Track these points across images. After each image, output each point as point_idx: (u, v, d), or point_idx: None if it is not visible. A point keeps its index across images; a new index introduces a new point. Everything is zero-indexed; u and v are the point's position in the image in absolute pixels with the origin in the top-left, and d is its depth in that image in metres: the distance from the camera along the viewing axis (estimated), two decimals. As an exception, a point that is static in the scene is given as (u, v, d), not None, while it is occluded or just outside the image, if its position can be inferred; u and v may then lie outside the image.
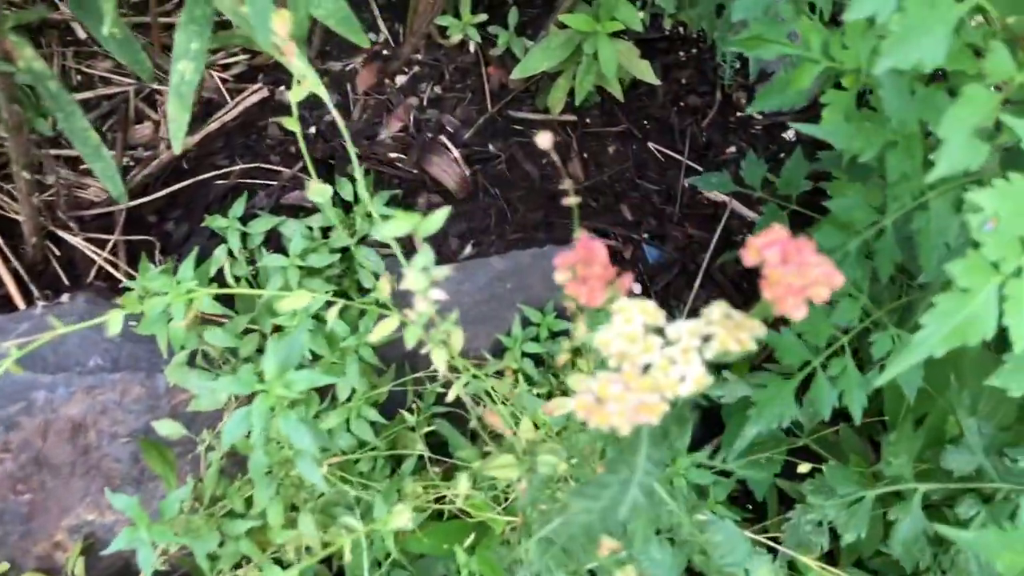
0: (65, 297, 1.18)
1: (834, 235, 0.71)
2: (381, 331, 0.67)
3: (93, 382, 1.11)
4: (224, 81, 1.33)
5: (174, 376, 1.07)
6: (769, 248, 0.37)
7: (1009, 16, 0.51)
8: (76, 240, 1.18)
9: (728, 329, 0.39)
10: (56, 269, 1.19)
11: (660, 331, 0.41)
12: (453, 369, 0.73)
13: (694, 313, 1.08)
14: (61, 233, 1.18)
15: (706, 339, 0.40)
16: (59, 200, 1.11)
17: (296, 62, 0.57)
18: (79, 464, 1.13)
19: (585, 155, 1.28)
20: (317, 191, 0.64)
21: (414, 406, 1.12)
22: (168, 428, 1.04)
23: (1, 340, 1.13)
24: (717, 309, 0.41)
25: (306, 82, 0.61)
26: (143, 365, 1.12)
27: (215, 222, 1.07)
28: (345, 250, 1.10)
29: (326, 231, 1.10)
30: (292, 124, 0.62)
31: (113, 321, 0.66)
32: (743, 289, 1.20)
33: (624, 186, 1.27)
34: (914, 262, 0.67)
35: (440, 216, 0.52)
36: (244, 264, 1.09)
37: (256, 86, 1.33)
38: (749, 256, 0.38)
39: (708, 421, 1.11)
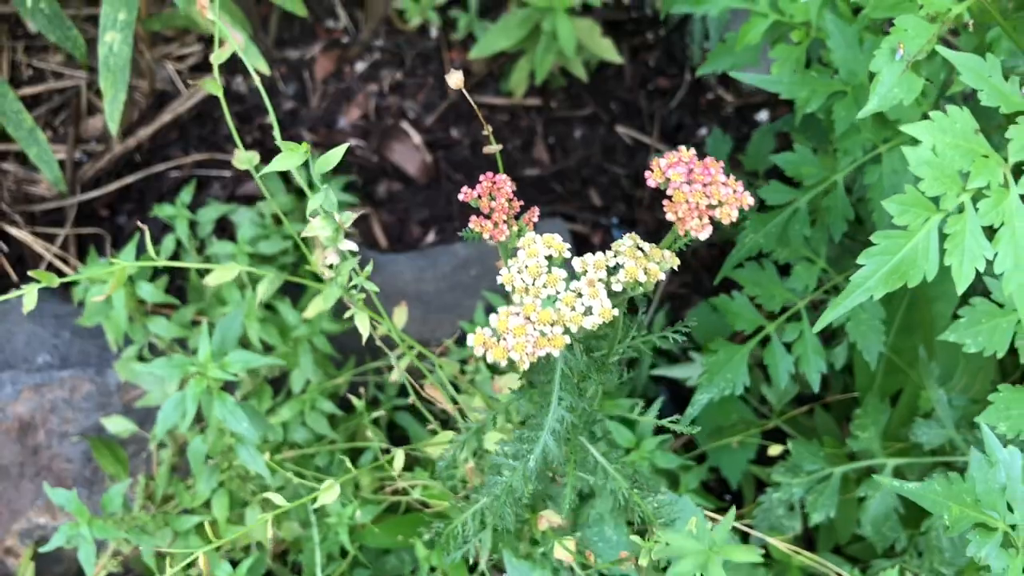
0: (13, 293, 1.16)
1: (781, 191, 0.69)
2: (315, 307, 0.65)
3: (41, 379, 1.09)
4: (179, 73, 1.32)
5: (123, 371, 1.05)
6: (674, 168, 0.35)
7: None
8: (24, 235, 1.16)
9: (636, 259, 0.38)
10: (4, 265, 1.17)
11: (568, 265, 0.39)
12: (391, 346, 0.71)
13: (665, 300, 1.05)
14: (8, 228, 1.16)
15: (614, 270, 0.38)
16: (2, 193, 1.10)
17: (210, 16, 0.55)
18: (28, 465, 1.11)
19: (551, 140, 1.26)
20: (243, 159, 0.63)
21: (376, 397, 1.10)
22: (119, 425, 1.02)
23: (-55, 339, 1.11)
24: (627, 240, 0.39)
25: (227, 45, 0.59)
26: (93, 361, 1.10)
27: (163, 210, 1.05)
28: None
29: (279, 220, 1.09)
30: (214, 87, 0.60)
31: (28, 297, 0.64)
32: (715, 270, 1.18)
33: (592, 171, 1.26)
34: (870, 220, 0.65)
35: (338, 152, 0.50)
36: (194, 253, 1.07)
37: (210, 75, 1.32)
38: (653, 177, 0.36)
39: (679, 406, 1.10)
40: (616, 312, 0.37)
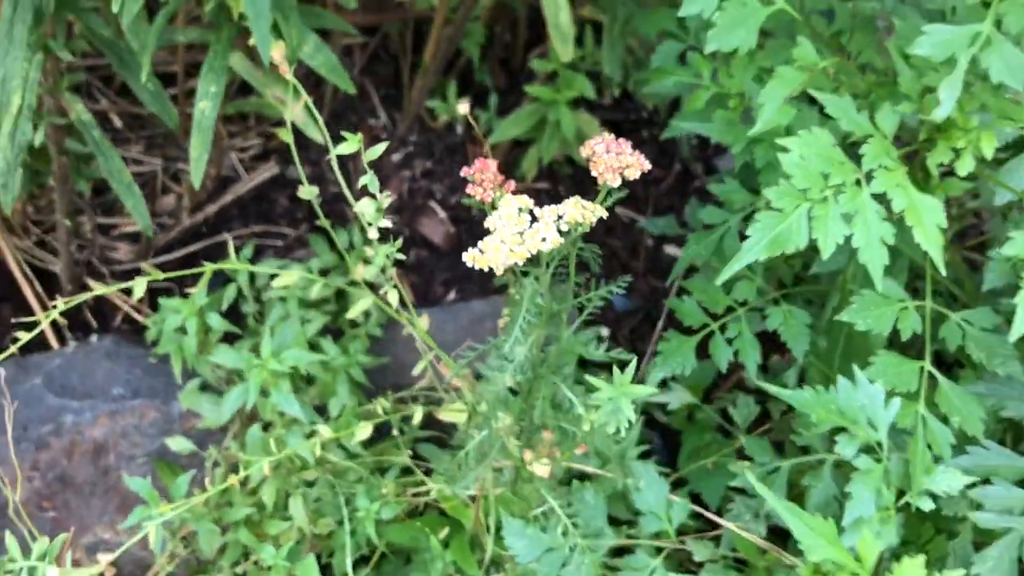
0: (94, 338, 1.37)
1: (716, 213, 0.88)
2: (359, 307, 0.85)
3: (116, 408, 1.28)
4: (241, 161, 1.56)
5: (188, 401, 1.24)
6: (598, 144, 0.56)
7: (812, 16, 0.70)
8: (106, 279, 1.38)
9: (577, 209, 0.57)
10: (87, 314, 1.38)
11: (532, 214, 0.59)
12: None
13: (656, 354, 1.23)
14: (92, 282, 1.38)
15: (560, 216, 0.58)
16: (95, 248, 1.32)
17: (290, 77, 0.77)
18: (99, 484, 1.28)
19: (558, 217, 1.47)
20: (307, 192, 0.83)
21: (401, 429, 1.27)
22: (179, 444, 1.20)
23: (36, 374, 1.31)
24: (573, 199, 0.59)
25: (297, 108, 0.80)
26: (159, 394, 1.29)
27: (227, 263, 1.27)
28: (341, 292, 1.29)
29: (324, 273, 1.30)
30: (286, 135, 0.81)
31: (138, 286, 0.83)
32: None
33: (593, 244, 1.46)
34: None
35: (380, 147, 0.70)
36: (252, 302, 1.28)
37: (269, 164, 1.55)
38: (584, 151, 0.56)
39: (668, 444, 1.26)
40: (562, 240, 0.56)
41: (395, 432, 1.17)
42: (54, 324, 1.35)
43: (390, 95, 1.61)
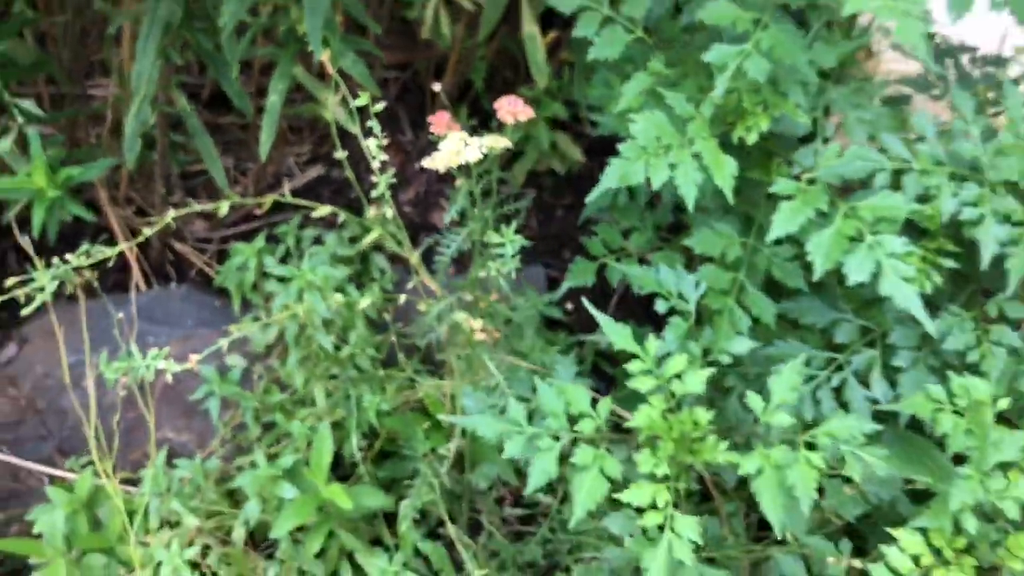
0: (173, 285, 1.79)
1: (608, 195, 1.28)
2: (369, 238, 1.25)
3: (186, 334, 1.69)
4: (296, 163, 1.99)
5: (243, 328, 1.65)
6: (502, 102, 0.97)
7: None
8: (185, 248, 1.80)
9: (493, 141, 0.98)
10: (168, 268, 1.80)
11: (466, 143, 1.00)
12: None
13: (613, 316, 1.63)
14: (175, 243, 1.81)
15: (482, 144, 0.98)
16: (177, 225, 1.74)
17: (333, 72, 1.18)
18: (168, 394, 1.69)
19: (540, 215, 1.88)
20: (340, 154, 1.24)
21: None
22: (233, 360, 1.60)
23: (130, 307, 1.73)
24: (489, 135, 1.00)
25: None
26: (220, 325, 1.70)
27: (279, 229, 1.69)
28: (365, 255, 1.70)
29: (352, 240, 1.71)
30: (324, 112, 1.22)
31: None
32: (648, 305, 1.75)
33: (566, 238, 1.87)
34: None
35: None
36: (296, 259, 1.69)
37: (316, 167, 1.98)
38: (495, 106, 0.97)
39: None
40: (482, 154, 0.96)
41: (400, 358, 1.56)
42: (144, 272, 1.78)
43: (416, 119, 2.04)
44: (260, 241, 1.56)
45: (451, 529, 1.29)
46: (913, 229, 1.10)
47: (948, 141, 1.05)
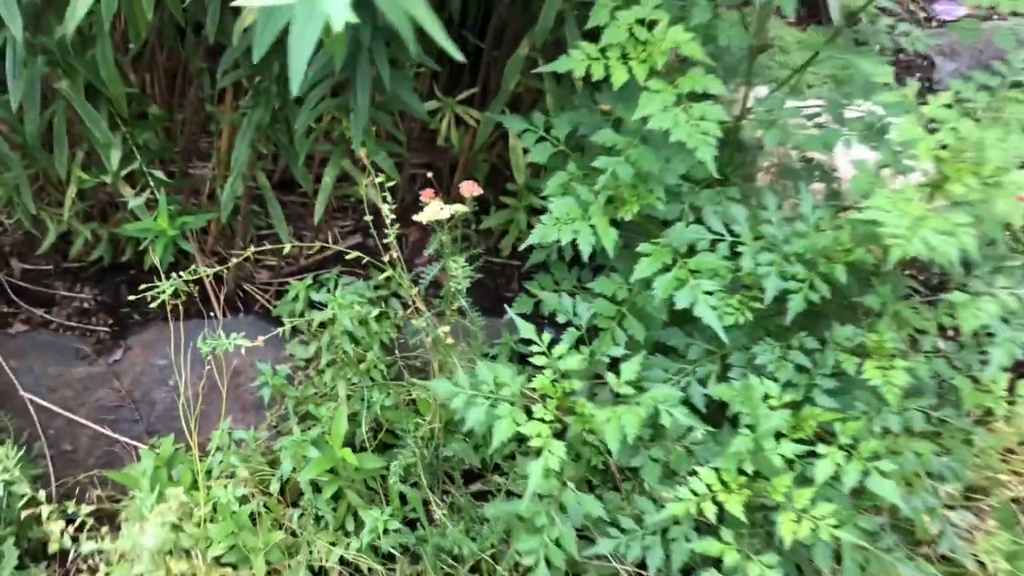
0: (241, 315, 2.39)
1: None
2: (384, 275, 1.85)
3: (249, 349, 2.29)
4: (340, 233, 2.62)
5: (290, 348, 2.25)
6: (464, 184, 1.58)
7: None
8: (252, 288, 2.42)
9: (457, 210, 1.59)
10: (239, 303, 2.42)
11: (444, 208, 1.61)
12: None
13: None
14: (245, 285, 2.43)
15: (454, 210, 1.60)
16: (250, 269, 2.37)
17: (366, 160, 1.81)
18: (232, 393, 2.28)
19: (522, 280, 2.48)
20: (382, 202, 1.86)
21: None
22: (282, 370, 2.20)
23: (210, 329, 2.33)
24: (458, 206, 1.61)
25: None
26: (275, 345, 2.29)
27: (323, 276, 2.30)
28: (386, 299, 2.29)
29: (376, 288, 2.30)
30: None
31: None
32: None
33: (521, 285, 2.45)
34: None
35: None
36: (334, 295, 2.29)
37: (356, 237, 2.61)
38: (460, 187, 1.58)
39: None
40: (455, 214, 1.56)
41: (405, 374, 2.14)
42: (220, 305, 2.39)
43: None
44: (308, 281, 2.17)
45: (424, 482, 1.85)
46: (739, 284, 1.67)
47: (756, 224, 1.64)
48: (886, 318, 1.63)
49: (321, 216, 2.08)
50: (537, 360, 1.55)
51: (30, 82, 1.80)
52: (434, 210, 1.58)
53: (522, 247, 1.68)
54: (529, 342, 1.57)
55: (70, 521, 1.81)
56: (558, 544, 1.54)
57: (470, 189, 1.63)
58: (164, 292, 1.76)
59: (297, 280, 2.33)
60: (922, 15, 3.31)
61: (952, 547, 1.56)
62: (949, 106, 1.57)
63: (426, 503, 1.95)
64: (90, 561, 1.88)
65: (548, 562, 1.54)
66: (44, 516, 1.53)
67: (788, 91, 1.74)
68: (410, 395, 2.13)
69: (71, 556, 1.76)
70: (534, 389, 1.56)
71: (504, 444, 1.52)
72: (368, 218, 1.88)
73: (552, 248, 1.82)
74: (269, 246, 2.56)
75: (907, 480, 1.60)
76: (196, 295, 2.43)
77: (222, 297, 2.41)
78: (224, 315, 2.40)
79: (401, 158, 2.50)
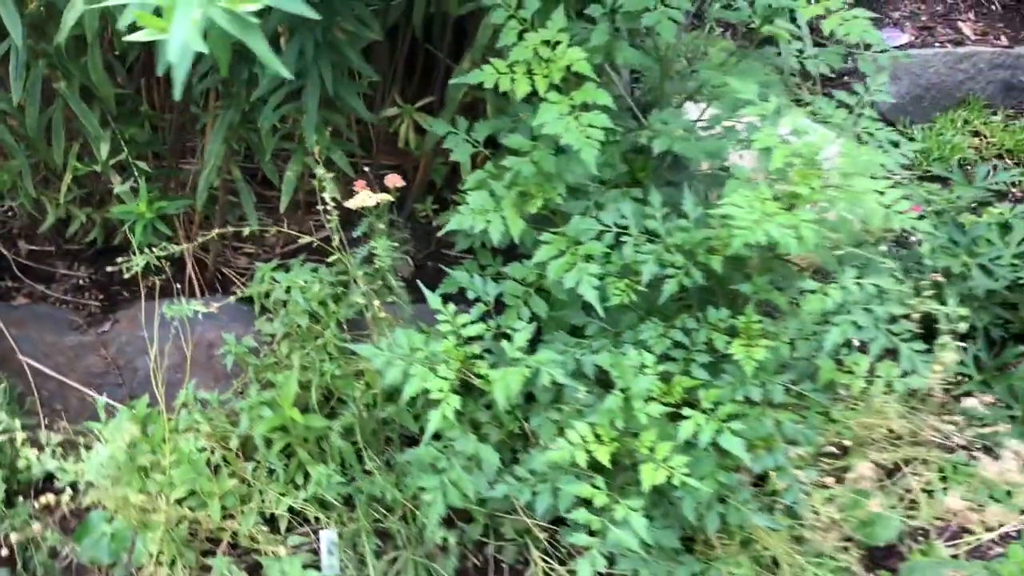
0: (219, 295, 2.68)
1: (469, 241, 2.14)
2: (333, 257, 2.13)
3: (222, 325, 2.57)
4: (313, 225, 2.90)
5: (259, 324, 2.53)
6: (389, 177, 1.86)
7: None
8: (230, 272, 2.71)
9: (382, 196, 1.87)
10: (217, 285, 2.71)
11: (370, 195, 1.89)
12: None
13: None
14: (224, 269, 2.72)
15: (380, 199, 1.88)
16: (228, 256, 2.66)
17: (319, 161, 2.09)
18: (205, 363, 2.57)
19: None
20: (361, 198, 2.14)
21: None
22: (249, 343, 2.48)
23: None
24: (383, 195, 1.89)
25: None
26: (245, 321, 2.57)
27: (290, 262, 2.58)
28: (345, 284, 2.57)
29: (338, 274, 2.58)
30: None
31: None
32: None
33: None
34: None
35: (387, 196, 1.99)
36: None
37: (324, 231, 2.89)
38: (386, 180, 1.86)
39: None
40: (381, 201, 1.83)
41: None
42: (201, 286, 2.68)
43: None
44: (273, 264, 2.46)
45: (360, 440, 2.12)
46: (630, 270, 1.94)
47: (640, 218, 1.90)
48: (753, 302, 1.89)
49: (285, 206, 2.36)
50: (442, 327, 1.82)
51: (31, 82, 2.11)
52: (363, 198, 1.86)
53: (440, 233, 1.95)
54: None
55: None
56: (455, 485, 1.81)
57: (394, 181, 1.91)
58: (137, 265, 2.04)
59: (264, 264, 2.61)
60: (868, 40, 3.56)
61: (795, 499, 1.81)
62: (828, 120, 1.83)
63: (364, 459, 2.22)
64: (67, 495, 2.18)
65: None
66: (18, 442, 1.80)
67: (682, 102, 2.01)
68: (360, 368, 2.40)
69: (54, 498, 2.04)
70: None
71: (416, 398, 1.79)
72: (329, 208, 2.16)
73: (477, 237, 2.08)
74: (242, 232, 2.85)
75: (765, 442, 1.85)
76: (178, 276, 2.72)
77: (202, 280, 2.69)
78: (203, 295, 2.69)
79: (369, 159, 2.79)
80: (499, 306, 2.01)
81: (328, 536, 2.17)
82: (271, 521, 2.27)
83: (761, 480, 1.92)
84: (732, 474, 1.84)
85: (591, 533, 1.73)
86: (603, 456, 1.73)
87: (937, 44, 3.54)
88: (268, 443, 2.23)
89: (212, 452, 2.26)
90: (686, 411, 1.80)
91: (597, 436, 1.77)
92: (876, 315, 1.74)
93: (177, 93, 1.02)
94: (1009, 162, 3.30)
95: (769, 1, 1.86)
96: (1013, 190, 3.15)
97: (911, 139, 3.33)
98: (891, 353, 1.90)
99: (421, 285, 1.90)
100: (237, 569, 2.17)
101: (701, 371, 1.90)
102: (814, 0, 1.89)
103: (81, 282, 2.73)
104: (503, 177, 1.94)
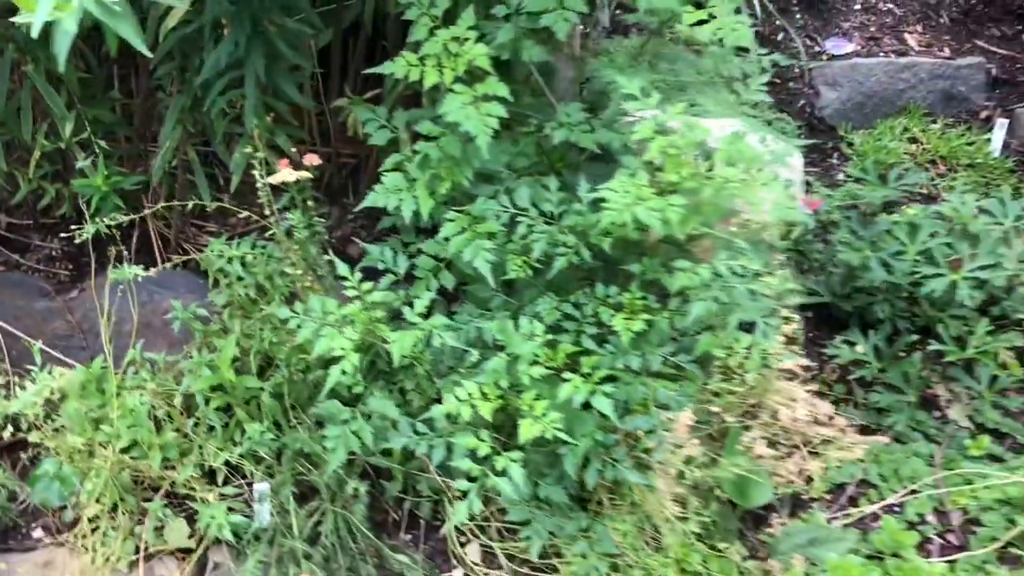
0: (179, 268, 2.89)
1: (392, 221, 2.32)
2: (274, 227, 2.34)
3: (177, 295, 2.78)
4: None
5: (212, 295, 2.74)
6: (308, 156, 2.07)
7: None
8: (190, 247, 2.92)
9: (302, 173, 2.08)
10: (178, 259, 2.92)
11: (291, 173, 2.10)
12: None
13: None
14: (185, 244, 2.93)
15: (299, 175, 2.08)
16: (189, 230, 2.88)
17: (259, 142, 2.30)
18: (162, 330, 2.78)
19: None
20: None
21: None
22: (201, 312, 2.69)
23: (147, 278, 2.83)
24: (303, 172, 2.10)
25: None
26: (198, 292, 2.78)
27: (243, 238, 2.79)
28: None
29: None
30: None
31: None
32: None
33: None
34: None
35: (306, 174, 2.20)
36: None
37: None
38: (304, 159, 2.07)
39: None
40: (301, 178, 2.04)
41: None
42: (162, 258, 2.89)
43: (354, 189, 3.15)
44: (223, 239, 2.67)
45: (287, 398, 2.32)
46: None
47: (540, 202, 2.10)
48: (639, 281, 2.08)
49: (235, 185, 2.57)
50: (348, 292, 2.03)
51: (1, 65, 2.33)
52: (284, 175, 2.06)
53: (356, 209, 2.16)
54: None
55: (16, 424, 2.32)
56: (357, 435, 2.01)
57: (311, 160, 2.11)
58: (88, 232, 2.26)
59: (216, 240, 2.84)
60: (816, 49, 3.74)
61: (663, 458, 1.99)
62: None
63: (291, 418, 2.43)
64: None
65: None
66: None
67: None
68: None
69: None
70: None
71: (325, 355, 1.99)
72: (261, 187, 2.36)
73: (399, 217, 2.28)
74: (212, 219, 3.07)
75: (643, 406, 2.04)
76: (146, 251, 2.94)
77: (164, 253, 2.92)
78: (162, 266, 2.90)
79: (328, 147, 3.00)
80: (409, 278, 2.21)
81: (260, 488, 2.38)
82: (212, 475, 2.47)
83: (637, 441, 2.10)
84: (610, 435, 2.03)
85: (471, 480, 1.93)
86: (486, 411, 1.92)
87: (881, 54, 3.71)
88: (208, 401, 2.43)
89: (157, 408, 2.47)
90: (568, 375, 1.99)
91: (484, 394, 1.97)
92: (738, 292, 1.92)
93: (60, 65, 1.22)
94: (943, 167, 3.47)
95: (653, 6, 2.04)
96: (936, 192, 3.32)
97: (850, 144, 3.51)
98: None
99: (333, 256, 2.11)
100: (172, 513, 2.38)
101: (590, 342, 2.10)
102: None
103: (53, 253, 2.96)
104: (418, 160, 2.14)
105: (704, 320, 1.97)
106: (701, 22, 2.03)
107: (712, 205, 1.97)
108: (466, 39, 2.06)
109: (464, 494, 1.93)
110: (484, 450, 1.93)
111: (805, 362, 2.08)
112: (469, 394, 1.96)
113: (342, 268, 2.04)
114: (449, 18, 2.09)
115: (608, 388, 1.94)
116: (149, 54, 1.25)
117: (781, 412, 2.11)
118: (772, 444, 2.24)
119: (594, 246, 2.09)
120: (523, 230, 2.07)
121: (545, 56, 2.14)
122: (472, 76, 2.04)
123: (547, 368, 1.99)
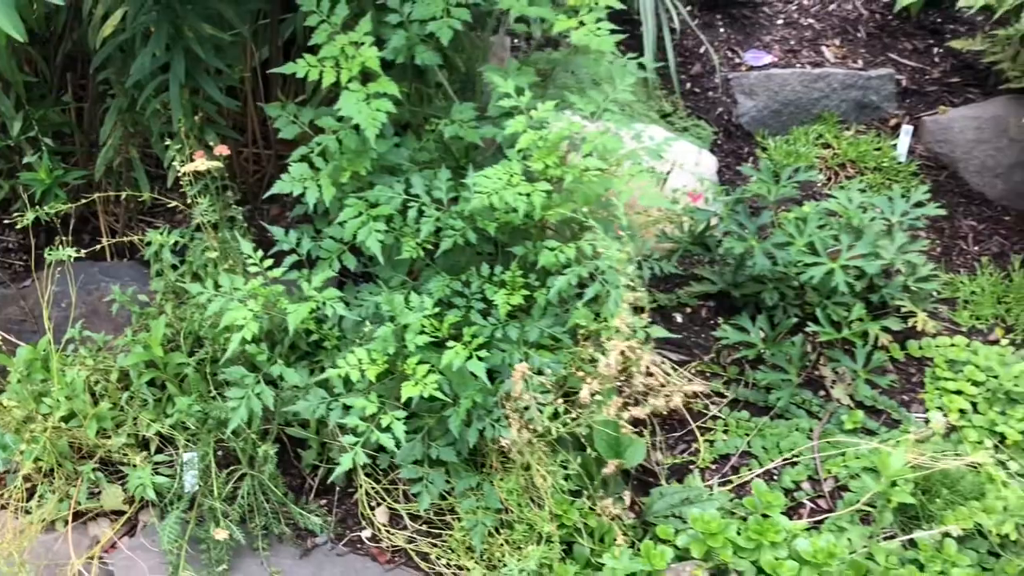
0: (126, 260, 3.12)
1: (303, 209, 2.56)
2: (197, 218, 2.57)
3: (123, 284, 3.01)
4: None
5: (154, 285, 2.98)
6: (219, 147, 2.31)
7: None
8: (138, 241, 3.16)
9: (213, 162, 2.32)
10: (126, 251, 3.16)
11: (204, 164, 2.34)
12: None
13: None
14: (134, 239, 3.17)
15: (209, 165, 2.32)
16: (139, 223, 3.12)
17: (185, 140, 2.54)
18: (106, 315, 3.01)
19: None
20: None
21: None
22: (144, 298, 2.93)
23: (96, 268, 3.06)
24: (213, 162, 2.34)
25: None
26: (141, 281, 3.01)
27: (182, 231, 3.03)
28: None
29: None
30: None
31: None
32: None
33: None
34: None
35: (216, 163, 2.43)
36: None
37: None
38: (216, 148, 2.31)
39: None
40: (211, 168, 2.27)
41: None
42: (112, 252, 3.13)
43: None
44: (163, 230, 2.91)
45: (209, 372, 2.55)
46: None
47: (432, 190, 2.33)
48: (518, 260, 2.31)
49: (171, 181, 2.81)
50: (251, 268, 2.26)
51: (-50, 68, 2.58)
52: (197, 164, 2.30)
53: (264, 196, 2.40)
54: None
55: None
56: (258, 397, 2.23)
57: (221, 151, 2.35)
58: (28, 219, 2.50)
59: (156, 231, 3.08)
60: (736, 61, 3.98)
61: (531, 416, 2.21)
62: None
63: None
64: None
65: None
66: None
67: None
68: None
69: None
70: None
71: (231, 326, 2.22)
72: (182, 179, 2.60)
73: (309, 205, 2.52)
74: (161, 216, 3.31)
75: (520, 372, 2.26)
76: (95, 243, 3.17)
77: (113, 247, 3.15)
78: (111, 258, 3.14)
79: (268, 148, 3.24)
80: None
81: (188, 456, 2.60)
82: (146, 444, 2.70)
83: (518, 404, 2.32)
84: (489, 396, 2.25)
85: (356, 435, 2.15)
86: (372, 374, 2.15)
87: (798, 65, 3.95)
88: (140, 376, 2.66)
89: (96, 384, 2.69)
90: (451, 344, 2.21)
91: (372, 359, 2.19)
92: (597, 267, 2.15)
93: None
94: (852, 170, 3.70)
95: (525, 13, 2.28)
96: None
97: (763, 149, 3.75)
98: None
99: (238, 236, 2.34)
100: (107, 479, 2.60)
101: (477, 316, 2.32)
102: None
103: (9, 245, 3.20)
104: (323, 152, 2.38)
105: (567, 293, 2.20)
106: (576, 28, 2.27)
107: (580, 192, 2.20)
108: (362, 43, 2.30)
109: (352, 447, 2.15)
110: (371, 409, 2.16)
111: (663, 333, 2.30)
112: (359, 359, 2.18)
113: (245, 246, 2.28)
114: (350, 25, 2.33)
115: (483, 353, 2.16)
116: (22, 39, 1.48)
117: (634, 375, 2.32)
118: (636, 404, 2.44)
119: (481, 230, 2.32)
120: (414, 214, 2.30)
121: (436, 60, 2.37)
122: (367, 76, 2.28)
123: (433, 337, 2.22)
